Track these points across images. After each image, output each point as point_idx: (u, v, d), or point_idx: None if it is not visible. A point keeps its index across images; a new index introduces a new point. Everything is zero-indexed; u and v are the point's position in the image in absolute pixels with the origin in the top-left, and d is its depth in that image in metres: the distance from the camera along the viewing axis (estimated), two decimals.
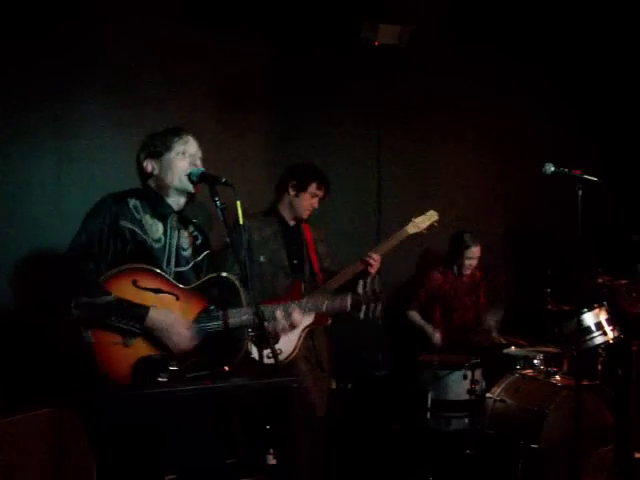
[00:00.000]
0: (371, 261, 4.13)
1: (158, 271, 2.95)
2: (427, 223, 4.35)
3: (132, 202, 3.03)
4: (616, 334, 4.85)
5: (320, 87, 5.35)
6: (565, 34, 6.03)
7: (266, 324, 3.03)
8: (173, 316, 2.91)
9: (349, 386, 5.28)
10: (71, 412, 3.07)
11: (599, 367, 4.83)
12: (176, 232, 3.10)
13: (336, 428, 4.81)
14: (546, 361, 4.69)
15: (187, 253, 3.14)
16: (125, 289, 2.87)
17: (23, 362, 3.99)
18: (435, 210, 4.40)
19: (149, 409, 2.70)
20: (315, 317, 4.13)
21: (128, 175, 4.69)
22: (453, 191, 5.97)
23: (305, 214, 4.29)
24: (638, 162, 6.05)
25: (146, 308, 2.86)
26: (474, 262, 5.37)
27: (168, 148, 3.07)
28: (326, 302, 3.44)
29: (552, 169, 3.61)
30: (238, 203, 2.84)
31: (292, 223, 4.33)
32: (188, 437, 2.93)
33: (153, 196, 3.09)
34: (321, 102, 5.38)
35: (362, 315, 3.54)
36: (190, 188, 3.07)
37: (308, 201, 4.25)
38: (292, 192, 4.25)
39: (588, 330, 4.80)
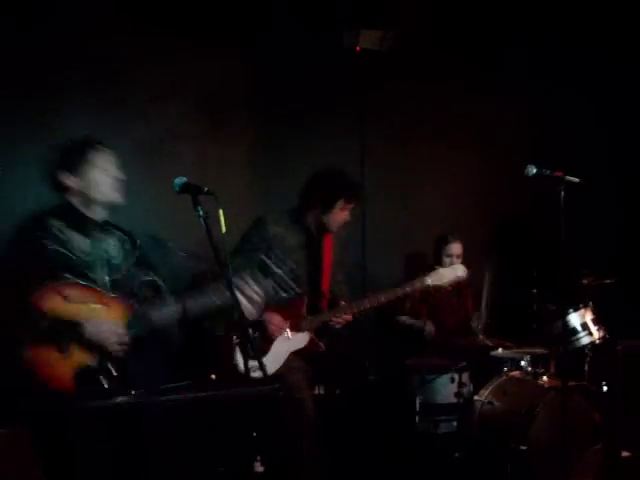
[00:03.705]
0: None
1: (84, 283, 2.95)
2: (451, 278, 4.19)
3: (54, 223, 2.99)
4: (602, 334, 4.87)
5: (302, 93, 5.35)
6: (550, 36, 6.05)
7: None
8: (106, 326, 2.91)
9: (337, 392, 5.27)
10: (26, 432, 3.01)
11: (586, 367, 4.85)
12: (102, 243, 3.10)
13: (325, 433, 4.80)
14: (533, 362, 4.70)
15: (118, 260, 3.13)
16: (57, 304, 2.86)
17: None
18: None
19: (127, 420, 2.69)
20: (307, 344, 4.09)
21: None
22: (437, 194, 5.98)
23: (336, 228, 4.15)
24: (622, 162, 6.07)
25: (80, 326, 2.86)
26: (455, 260, 5.31)
27: (89, 162, 3.04)
28: None
29: (534, 171, 3.63)
30: (221, 212, 2.82)
31: (317, 233, 4.18)
32: (172, 448, 2.92)
33: (72, 213, 3.06)
34: (303, 108, 5.37)
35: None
36: (116, 199, 3.08)
37: (338, 216, 4.10)
38: (319, 208, 4.08)
39: (574, 330, 4.82)
